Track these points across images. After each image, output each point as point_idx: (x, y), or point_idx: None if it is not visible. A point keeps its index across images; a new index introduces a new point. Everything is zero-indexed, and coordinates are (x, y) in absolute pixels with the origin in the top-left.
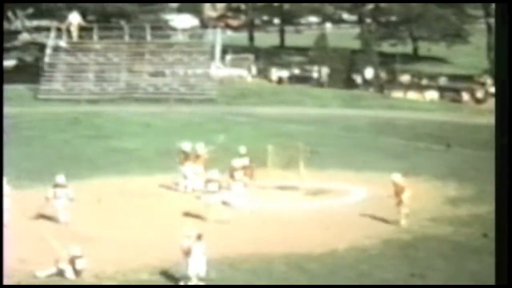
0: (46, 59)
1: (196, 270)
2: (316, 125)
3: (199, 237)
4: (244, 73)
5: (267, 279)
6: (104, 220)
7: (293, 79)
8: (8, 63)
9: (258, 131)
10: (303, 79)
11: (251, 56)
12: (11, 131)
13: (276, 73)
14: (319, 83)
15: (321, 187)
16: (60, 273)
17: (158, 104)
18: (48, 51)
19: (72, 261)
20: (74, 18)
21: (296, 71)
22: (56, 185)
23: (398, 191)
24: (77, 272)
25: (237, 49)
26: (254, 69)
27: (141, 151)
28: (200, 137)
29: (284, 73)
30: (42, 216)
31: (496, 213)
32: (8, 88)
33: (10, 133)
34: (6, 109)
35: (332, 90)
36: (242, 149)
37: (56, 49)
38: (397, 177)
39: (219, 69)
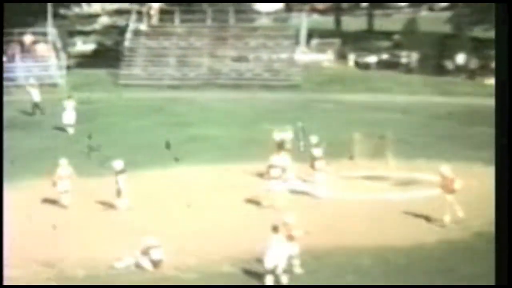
0: (126, 43)
1: (274, 263)
2: (404, 113)
3: (275, 229)
4: (330, 58)
5: (352, 273)
6: (184, 209)
7: (381, 64)
8: (88, 47)
9: (344, 119)
10: (391, 65)
11: (337, 41)
12: (93, 117)
13: (363, 58)
14: (408, 69)
15: (409, 177)
16: (138, 264)
17: (241, 90)
18: (128, 35)
19: (146, 252)
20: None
21: (384, 56)
22: (118, 172)
23: (447, 184)
24: (154, 263)
25: (323, 33)
26: (340, 54)
27: (223, 139)
28: (284, 124)
29: (372, 59)
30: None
31: (496, 213)
32: (88, 72)
33: (91, 120)
34: (86, 95)
35: (421, 76)
36: (313, 139)
37: (137, 33)
38: (446, 170)
39: (304, 54)
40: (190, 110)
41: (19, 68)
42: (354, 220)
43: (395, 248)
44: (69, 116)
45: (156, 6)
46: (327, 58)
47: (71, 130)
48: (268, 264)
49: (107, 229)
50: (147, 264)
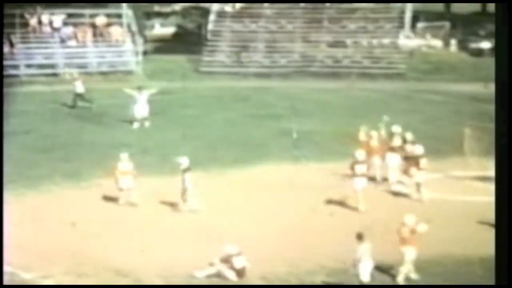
0: (210, 26)
1: (367, 275)
2: None
3: (359, 237)
4: (439, 44)
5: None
6: (270, 212)
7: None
8: (167, 30)
9: (453, 111)
10: None
11: (447, 24)
12: (169, 108)
13: (476, 44)
14: None
15: None
16: (220, 273)
17: (337, 79)
18: (212, 16)
19: (227, 260)
20: None
21: None
22: (185, 170)
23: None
24: (238, 272)
25: (430, 16)
26: (451, 40)
27: (317, 134)
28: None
29: (486, 44)
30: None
31: (496, 213)
32: (167, 58)
33: (167, 111)
34: (162, 84)
35: None
36: (409, 136)
37: (221, 14)
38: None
39: (409, 39)
40: (280, 101)
41: (91, 54)
42: (464, 225)
43: None
44: (141, 109)
45: None
46: (435, 43)
47: (137, 125)
48: (364, 278)
49: (179, 232)
50: (230, 274)
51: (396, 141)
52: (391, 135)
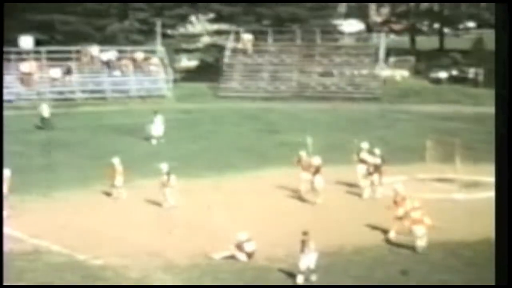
0: (225, 60)
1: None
2: (470, 123)
3: (305, 233)
4: (406, 74)
5: (423, 265)
6: (273, 206)
7: (451, 79)
8: (191, 63)
9: (418, 128)
10: (460, 80)
11: (412, 58)
12: (196, 125)
13: (435, 74)
14: (475, 83)
15: (475, 180)
16: (234, 256)
17: (326, 102)
18: (227, 52)
19: (239, 246)
20: (246, 36)
21: (454, 72)
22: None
23: (397, 201)
24: (248, 255)
25: (399, 52)
26: (415, 70)
27: (309, 147)
28: (364, 133)
29: (443, 74)
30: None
31: (496, 213)
32: (191, 86)
33: (191, 128)
34: (188, 105)
35: (487, 90)
36: (365, 144)
37: (234, 50)
38: (399, 186)
39: (383, 70)
40: (281, 119)
41: (132, 82)
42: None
43: (463, 243)
44: (157, 129)
45: (247, 39)
46: (403, 73)
47: (155, 142)
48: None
49: (204, 225)
50: (242, 257)
51: (363, 155)
52: (359, 150)
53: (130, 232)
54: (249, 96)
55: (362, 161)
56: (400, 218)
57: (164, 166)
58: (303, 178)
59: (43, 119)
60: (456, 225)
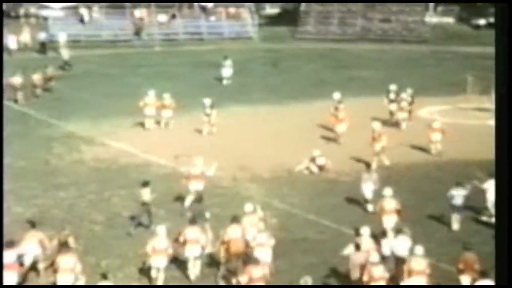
0: (302, 8)
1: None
2: None
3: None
4: (451, 21)
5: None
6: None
7: (488, 25)
8: (274, 10)
9: (460, 65)
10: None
11: (456, 7)
12: (271, 61)
13: (475, 20)
14: None
15: None
16: (308, 168)
17: (385, 43)
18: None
19: (313, 160)
20: None
21: (491, 19)
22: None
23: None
24: (320, 167)
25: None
26: (459, 18)
27: (373, 79)
28: (416, 69)
29: (482, 21)
30: None
31: (496, 213)
32: (273, 29)
33: (271, 64)
34: (270, 45)
35: None
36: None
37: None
38: (376, 125)
39: (432, 17)
40: (347, 57)
41: (225, 26)
42: (465, 139)
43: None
44: (227, 71)
45: None
46: (448, 20)
47: (226, 82)
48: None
49: (286, 143)
50: (314, 169)
51: (391, 96)
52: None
53: (223, 149)
54: (321, 38)
55: (391, 101)
56: (377, 153)
57: (206, 101)
58: None
59: (65, 62)
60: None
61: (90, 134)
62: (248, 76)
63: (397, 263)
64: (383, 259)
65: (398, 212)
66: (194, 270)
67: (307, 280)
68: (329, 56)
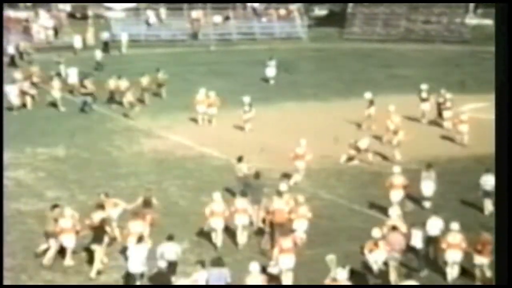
0: (349, 10)
1: None
2: None
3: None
4: (490, 22)
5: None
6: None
7: None
8: (322, 12)
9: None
10: None
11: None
12: (322, 61)
13: None
14: None
15: None
16: (352, 158)
17: (427, 44)
18: (350, 4)
19: (355, 147)
20: None
21: None
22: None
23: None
24: (358, 149)
25: (487, 4)
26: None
27: (414, 78)
28: (458, 69)
29: None
30: None
31: (496, 213)
32: (321, 30)
33: (321, 63)
34: (319, 45)
35: None
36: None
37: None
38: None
39: (471, 19)
40: (391, 57)
41: (276, 26)
42: None
43: None
44: (271, 71)
45: None
46: (488, 22)
47: (272, 82)
48: None
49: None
50: (352, 152)
51: (423, 95)
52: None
53: (275, 144)
54: (366, 38)
55: (423, 99)
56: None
57: (246, 99)
58: None
59: (97, 62)
60: None
61: (149, 127)
62: (297, 74)
63: (429, 243)
64: (413, 250)
65: (405, 187)
66: (242, 238)
67: (332, 259)
68: (374, 55)
